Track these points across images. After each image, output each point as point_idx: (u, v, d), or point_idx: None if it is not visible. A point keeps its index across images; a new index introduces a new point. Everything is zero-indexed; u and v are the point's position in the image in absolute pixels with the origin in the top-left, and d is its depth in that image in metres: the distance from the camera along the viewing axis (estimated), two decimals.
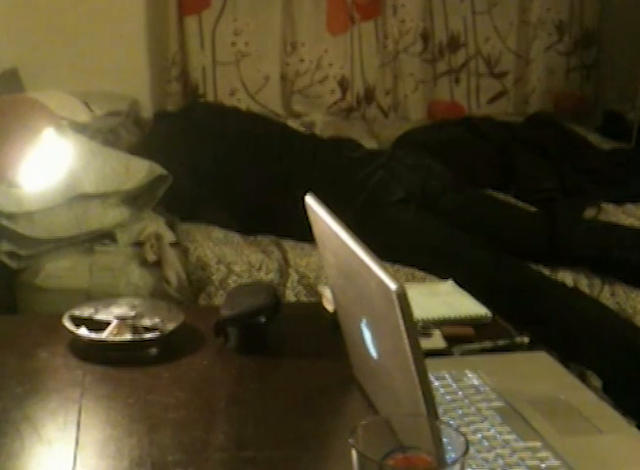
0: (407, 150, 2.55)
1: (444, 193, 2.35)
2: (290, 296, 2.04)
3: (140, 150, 2.39)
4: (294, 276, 2.07)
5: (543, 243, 2.18)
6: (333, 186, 2.26)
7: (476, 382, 1.09)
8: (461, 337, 1.27)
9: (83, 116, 2.56)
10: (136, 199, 2.22)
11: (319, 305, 1.34)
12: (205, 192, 2.34)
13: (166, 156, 2.32)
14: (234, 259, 2.08)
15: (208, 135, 2.44)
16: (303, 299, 2.05)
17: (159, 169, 2.19)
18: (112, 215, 2.16)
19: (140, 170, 2.18)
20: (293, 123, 2.92)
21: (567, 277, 2.13)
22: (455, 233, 2.19)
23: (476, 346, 1.24)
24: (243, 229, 2.29)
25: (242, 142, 2.43)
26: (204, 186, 2.34)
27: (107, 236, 2.18)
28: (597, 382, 1.67)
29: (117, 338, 1.20)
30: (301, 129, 2.85)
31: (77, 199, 2.11)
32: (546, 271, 2.13)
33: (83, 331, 1.21)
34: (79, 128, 2.40)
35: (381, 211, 2.23)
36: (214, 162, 2.37)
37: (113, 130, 2.59)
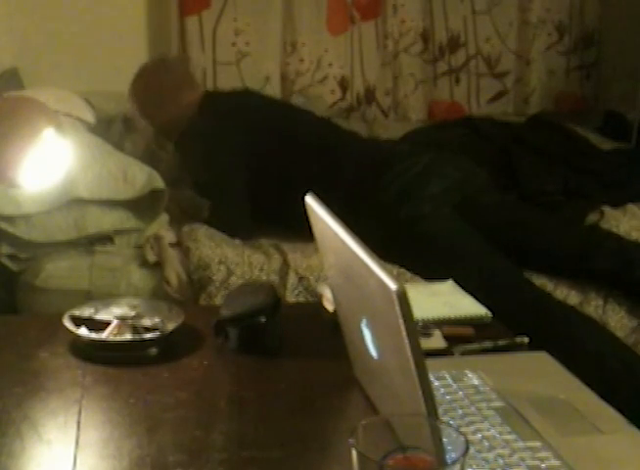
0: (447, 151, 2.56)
1: (486, 191, 2.36)
2: (290, 297, 2.04)
3: (190, 134, 2.41)
4: (294, 278, 2.07)
5: (572, 251, 2.18)
6: (373, 175, 2.26)
7: (476, 382, 1.09)
8: (461, 337, 1.27)
9: (86, 113, 2.56)
10: (135, 204, 2.21)
11: (319, 305, 1.34)
12: (243, 189, 2.34)
13: (202, 135, 2.34)
14: (235, 260, 2.08)
15: (248, 124, 2.41)
16: (303, 300, 2.05)
17: (157, 181, 2.17)
18: (110, 220, 2.16)
19: (138, 179, 2.15)
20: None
21: (574, 287, 2.14)
22: (479, 240, 2.17)
23: (476, 346, 1.24)
24: (254, 230, 2.28)
25: (278, 135, 2.41)
26: (232, 172, 2.34)
27: (106, 238, 2.18)
28: None
29: (117, 338, 1.20)
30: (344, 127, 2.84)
31: (76, 202, 2.11)
32: (551, 285, 2.14)
33: (83, 331, 1.21)
34: (84, 125, 2.40)
35: (414, 205, 2.21)
36: (249, 149, 2.35)
37: (127, 119, 2.58)
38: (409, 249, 2.12)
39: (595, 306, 2.13)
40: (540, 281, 2.14)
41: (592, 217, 2.39)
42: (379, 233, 2.09)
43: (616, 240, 2.23)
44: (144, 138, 2.54)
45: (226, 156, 2.35)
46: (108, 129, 2.47)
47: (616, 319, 2.13)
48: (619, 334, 2.11)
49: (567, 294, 2.14)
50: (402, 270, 2.08)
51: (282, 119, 2.47)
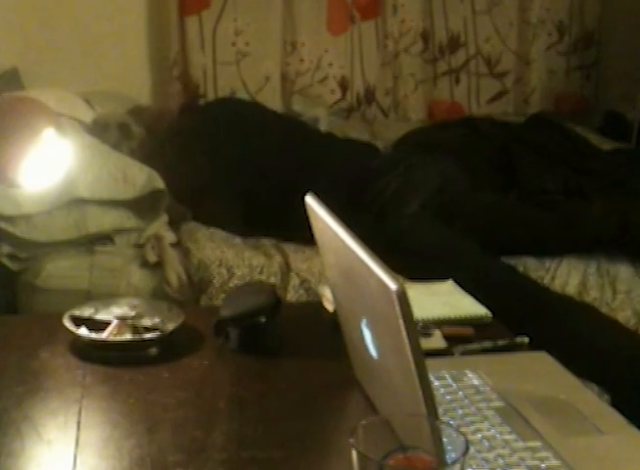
0: (426, 156, 2.55)
1: (466, 195, 2.36)
2: (291, 299, 2.04)
3: (161, 141, 2.41)
4: (295, 280, 2.07)
5: (562, 243, 2.19)
6: (348, 195, 2.27)
7: (476, 382, 1.09)
8: (461, 337, 1.27)
9: (86, 114, 2.56)
10: (136, 204, 2.20)
11: (319, 305, 1.34)
12: (218, 186, 2.34)
13: (187, 147, 2.34)
14: (235, 263, 2.08)
15: (231, 132, 2.43)
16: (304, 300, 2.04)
17: (157, 181, 2.17)
18: (111, 220, 2.16)
19: (138, 180, 2.15)
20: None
21: (578, 265, 2.15)
22: (468, 244, 2.17)
23: (476, 346, 1.24)
24: (246, 229, 2.28)
25: (261, 142, 2.42)
26: (218, 180, 2.34)
27: (106, 238, 2.18)
28: (605, 396, 1.67)
29: (117, 338, 1.20)
30: (323, 131, 2.85)
31: (76, 202, 2.11)
32: (549, 275, 2.14)
33: (83, 331, 1.21)
34: (83, 127, 2.39)
35: (394, 223, 2.22)
36: (233, 158, 2.36)
37: (123, 125, 2.58)
38: (400, 264, 2.11)
39: (593, 298, 2.13)
40: (537, 273, 2.14)
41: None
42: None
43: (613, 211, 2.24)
44: (140, 143, 2.54)
45: (207, 161, 2.35)
46: (104, 135, 2.46)
47: (616, 304, 2.13)
48: (621, 317, 2.10)
49: (564, 283, 2.14)
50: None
51: (255, 127, 2.48)
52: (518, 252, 2.18)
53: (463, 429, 0.95)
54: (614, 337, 1.99)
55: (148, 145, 2.54)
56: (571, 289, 2.14)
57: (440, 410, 0.98)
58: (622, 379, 1.84)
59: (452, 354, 1.22)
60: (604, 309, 2.11)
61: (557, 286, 2.13)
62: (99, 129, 2.47)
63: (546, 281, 2.14)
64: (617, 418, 1.02)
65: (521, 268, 2.14)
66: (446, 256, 2.13)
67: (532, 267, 2.16)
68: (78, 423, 1.01)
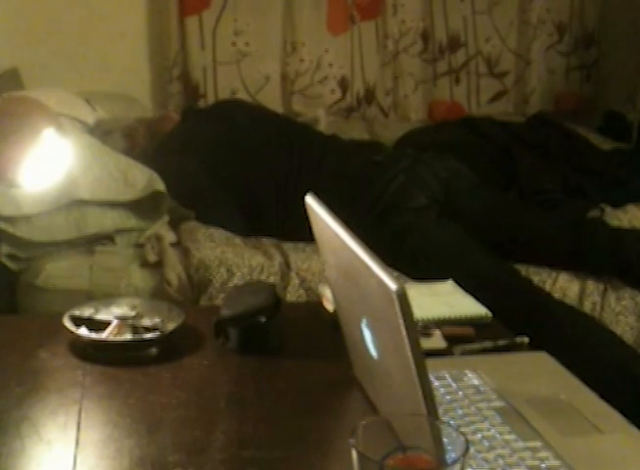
0: (432, 152, 2.55)
1: (471, 193, 2.35)
2: (291, 299, 2.04)
3: (162, 143, 2.41)
4: (295, 280, 2.07)
5: (568, 246, 2.18)
6: (353, 191, 2.26)
7: (476, 382, 1.09)
8: (461, 337, 1.27)
9: (87, 114, 2.55)
10: (137, 204, 2.20)
11: (319, 305, 1.34)
12: (220, 190, 2.34)
13: (188, 148, 2.34)
14: (235, 263, 2.08)
15: (232, 134, 2.43)
16: (303, 300, 2.04)
17: (158, 183, 2.16)
18: (111, 220, 2.15)
19: (139, 181, 2.14)
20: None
21: (573, 280, 2.14)
22: (472, 244, 2.17)
23: (476, 346, 1.24)
24: (246, 229, 2.28)
25: (263, 145, 2.42)
26: (219, 185, 2.34)
27: (107, 238, 2.18)
28: None
29: (117, 338, 1.20)
30: (324, 131, 2.85)
31: (76, 203, 2.11)
32: (550, 279, 2.14)
33: (83, 331, 1.21)
34: (84, 127, 2.39)
35: (400, 218, 2.21)
36: (234, 162, 2.37)
37: (128, 136, 2.57)
38: (403, 262, 2.10)
39: (592, 303, 2.13)
40: (539, 276, 2.14)
41: (593, 214, 2.39)
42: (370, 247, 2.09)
43: (612, 234, 2.23)
44: (142, 150, 2.54)
45: (208, 162, 2.36)
46: (105, 139, 2.45)
47: (615, 313, 2.12)
48: (619, 329, 2.10)
49: (566, 288, 2.14)
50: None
51: (257, 129, 2.48)
52: (519, 260, 2.17)
53: (463, 429, 0.95)
54: (613, 347, 1.99)
55: (149, 148, 2.54)
56: (573, 293, 2.14)
57: (440, 410, 0.98)
58: (619, 388, 1.84)
59: (452, 354, 1.22)
60: (607, 314, 2.11)
61: (559, 290, 2.13)
62: (100, 133, 2.46)
63: (548, 284, 2.13)
64: (617, 418, 1.02)
65: (523, 271, 2.14)
66: (450, 254, 2.13)
67: (534, 270, 2.15)
68: (78, 423, 1.01)
